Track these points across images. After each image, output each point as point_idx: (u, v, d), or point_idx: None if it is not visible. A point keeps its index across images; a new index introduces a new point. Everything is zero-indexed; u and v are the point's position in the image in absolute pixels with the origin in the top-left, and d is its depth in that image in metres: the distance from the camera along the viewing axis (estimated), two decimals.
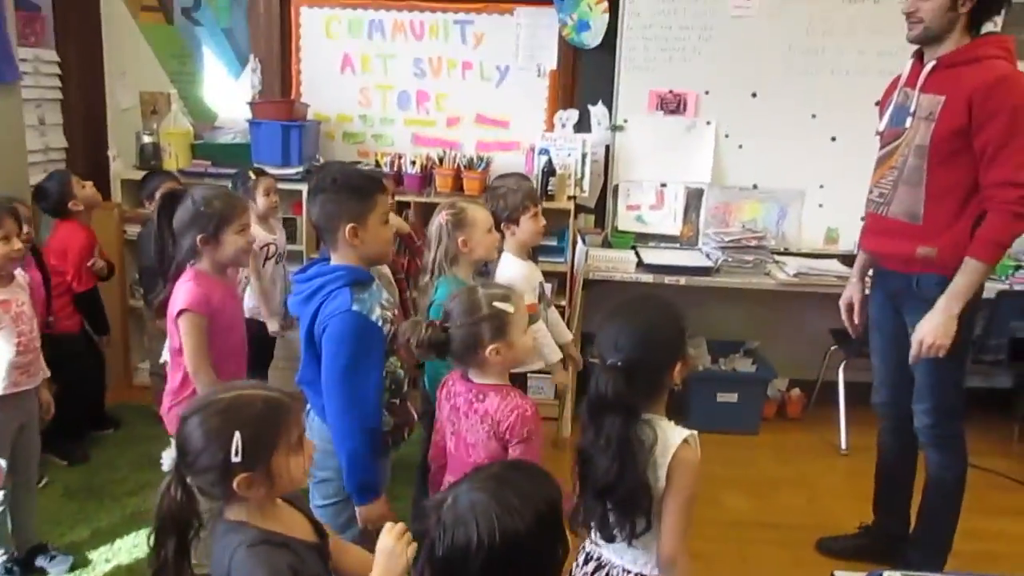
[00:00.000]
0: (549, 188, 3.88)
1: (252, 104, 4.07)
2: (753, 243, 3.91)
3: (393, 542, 1.34)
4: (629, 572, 1.70)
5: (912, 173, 2.39)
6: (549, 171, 3.89)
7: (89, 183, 3.46)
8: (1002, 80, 2.25)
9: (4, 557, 2.49)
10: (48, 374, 2.56)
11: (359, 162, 4.09)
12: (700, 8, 3.93)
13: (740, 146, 4.07)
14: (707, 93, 4.02)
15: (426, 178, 4.00)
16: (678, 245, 4.15)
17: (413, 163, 3.99)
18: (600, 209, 4.20)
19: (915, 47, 2.45)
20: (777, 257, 3.94)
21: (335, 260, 2.01)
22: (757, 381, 3.97)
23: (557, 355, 2.75)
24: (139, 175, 3.85)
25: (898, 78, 2.52)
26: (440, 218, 2.54)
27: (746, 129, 4.04)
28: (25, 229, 2.45)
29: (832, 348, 3.97)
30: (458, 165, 3.98)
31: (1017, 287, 3.61)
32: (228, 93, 4.30)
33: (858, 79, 3.84)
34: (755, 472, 3.55)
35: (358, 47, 4.19)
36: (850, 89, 3.83)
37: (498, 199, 2.73)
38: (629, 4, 3.94)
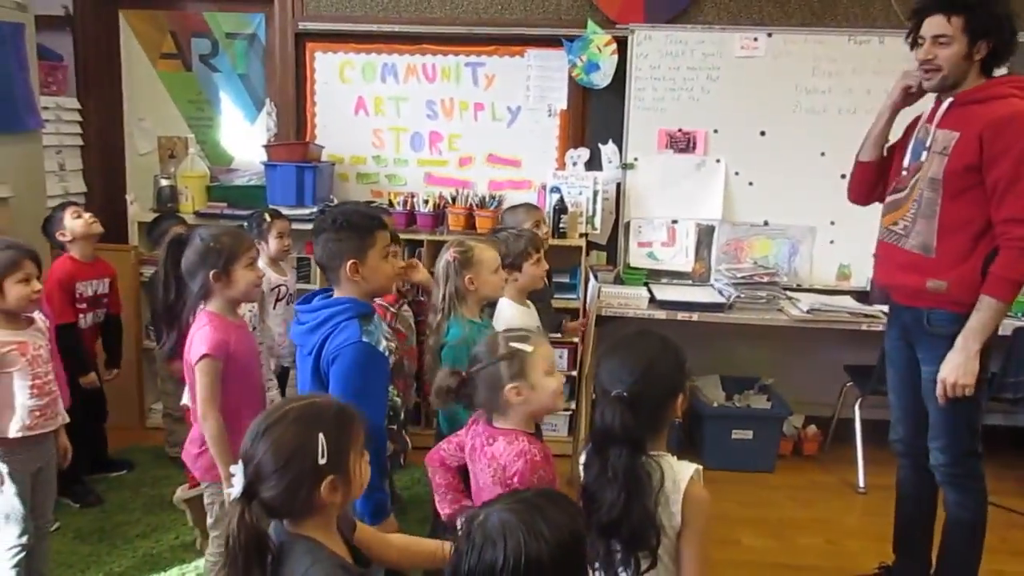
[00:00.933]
0: (561, 225, 3.90)
1: (267, 147, 4.14)
2: (765, 279, 3.90)
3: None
4: None
5: (927, 206, 2.41)
6: (561, 209, 3.92)
7: (87, 215, 3.36)
8: (1014, 117, 2.26)
9: None
10: (67, 419, 2.56)
11: (372, 202, 4.14)
12: (707, 49, 3.98)
13: (750, 183, 4.09)
14: (716, 131, 4.06)
15: (439, 217, 4.04)
16: (690, 282, 4.15)
17: (426, 202, 4.03)
18: (612, 246, 4.22)
19: None
20: (790, 293, 3.94)
21: (338, 295, 2.09)
22: (772, 418, 3.94)
23: None
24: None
25: (918, 117, 2.54)
26: (447, 256, 2.55)
27: (756, 166, 4.06)
28: None
29: (848, 384, 3.94)
30: (470, 204, 4.02)
31: None
32: (244, 136, 4.39)
33: (866, 118, 3.75)
34: (772, 511, 3.50)
35: (371, 90, 4.27)
36: (858, 128, 3.73)
37: (501, 244, 2.73)
38: (637, 47, 4.00)
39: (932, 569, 2.69)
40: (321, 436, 1.35)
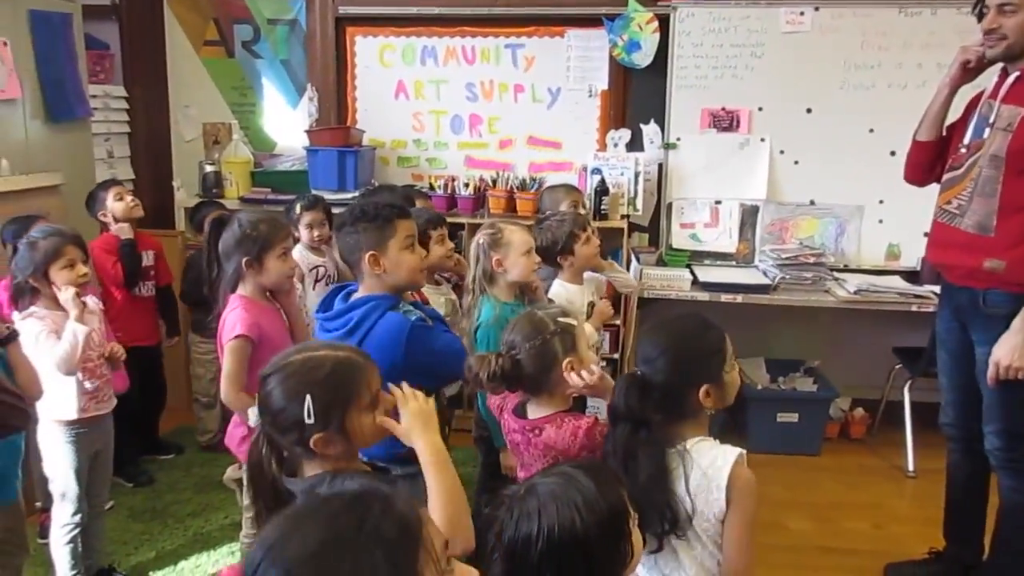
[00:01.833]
0: (602, 207, 3.88)
1: (309, 132, 4.17)
2: (811, 260, 3.84)
3: (422, 402, 1.47)
4: None
5: (986, 184, 2.34)
6: (602, 190, 3.89)
7: (129, 198, 3.35)
8: None
9: None
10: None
11: (413, 185, 4.15)
12: (752, 25, 3.90)
13: (796, 162, 4.01)
14: (760, 110, 3.98)
15: (479, 200, 4.03)
16: (734, 263, 4.10)
17: (466, 185, 4.03)
18: (654, 228, 4.18)
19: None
20: (837, 274, 3.86)
21: (362, 291, 2.02)
22: (818, 401, 3.87)
23: None
24: None
25: (980, 94, 2.46)
26: (478, 238, 2.56)
27: (801, 145, 3.98)
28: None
29: (896, 367, 3.86)
30: (511, 186, 4.01)
31: None
32: (286, 122, 4.43)
33: (916, 92, 3.75)
34: (818, 495, 3.46)
35: (411, 73, 4.27)
36: (909, 102, 3.70)
37: (547, 233, 2.73)
38: (679, 24, 3.93)
39: (985, 555, 2.63)
40: (308, 397, 1.37)
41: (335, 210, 3.57)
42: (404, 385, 1.52)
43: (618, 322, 3.83)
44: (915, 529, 3.05)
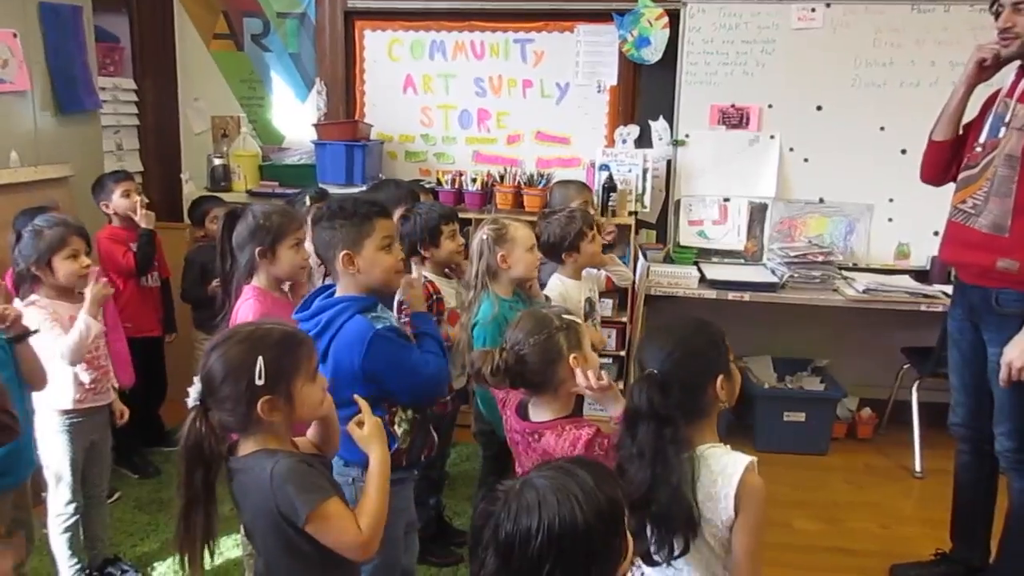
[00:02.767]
0: (610, 203, 3.86)
1: (317, 125, 4.17)
2: (820, 258, 3.82)
3: (376, 420, 1.61)
4: None
5: (1002, 184, 2.32)
6: (610, 187, 3.87)
7: (137, 198, 3.31)
8: None
9: (76, 568, 2.57)
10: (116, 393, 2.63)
11: (419, 180, 4.14)
12: (762, 22, 3.87)
13: (805, 160, 3.98)
14: (770, 107, 3.96)
15: (487, 195, 4.02)
16: (742, 261, 4.08)
17: (474, 180, 4.02)
18: (662, 224, 4.17)
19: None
20: (845, 273, 3.84)
21: (339, 291, 1.97)
22: (826, 400, 3.85)
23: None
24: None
25: (996, 92, 2.44)
26: (482, 233, 2.54)
27: (811, 142, 3.95)
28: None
29: (905, 367, 3.84)
30: (518, 182, 3.99)
31: None
32: (295, 115, 4.42)
33: (929, 90, 3.73)
34: (825, 495, 3.44)
35: (420, 68, 4.26)
36: (921, 100, 3.70)
37: (554, 227, 2.71)
38: (690, 19, 3.91)
39: (992, 557, 2.61)
40: (260, 359, 1.44)
41: None
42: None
43: (625, 319, 3.82)
44: (922, 530, 3.03)
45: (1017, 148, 2.28)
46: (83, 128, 3.72)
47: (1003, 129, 2.33)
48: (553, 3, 4.06)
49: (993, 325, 2.38)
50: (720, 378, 1.63)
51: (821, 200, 4.01)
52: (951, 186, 2.57)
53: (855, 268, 3.94)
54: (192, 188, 4.22)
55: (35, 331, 2.13)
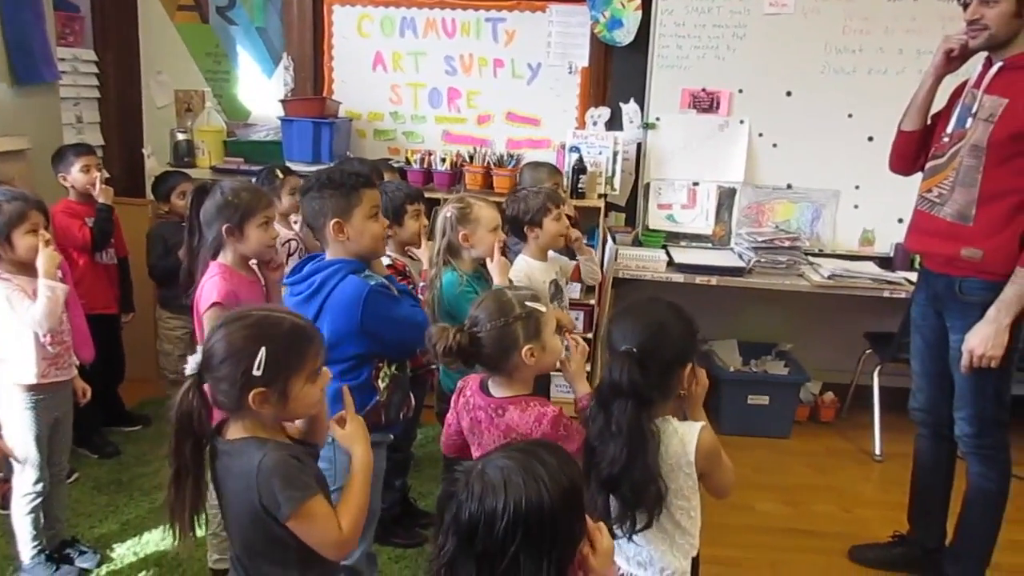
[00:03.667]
0: (580, 186, 3.85)
1: (284, 102, 4.09)
2: (787, 244, 3.85)
3: (359, 420, 1.61)
4: None
5: (967, 174, 2.34)
6: (580, 169, 3.86)
7: (96, 174, 3.25)
8: None
9: (36, 550, 2.52)
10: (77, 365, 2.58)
11: (388, 159, 4.09)
12: (734, 6, 3.88)
13: (774, 145, 4.01)
14: (740, 91, 3.97)
15: (456, 175, 3.99)
16: (710, 245, 4.10)
17: (443, 160, 3.98)
18: (631, 208, 4.17)
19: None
20: (811, 258, 3.88)
21: (328, 257, 2.06)
22: (789, 384, 3.90)
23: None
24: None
25: (964, 83, 2.46)
26: (446, 211, 2.53)
27: (780, 128, 3.98)
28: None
29: (867, 352, 3.89)
30: (488, 163, 3.97)
31: None
32: (261, 91, 4.34)
33: (896, 78, 3.77)
34: (787, 478, 3.49)
35: (390, 45, 4.20)
36: (888, 88, 3.74)
37: (519, 202, 2.69)
38: (662, 2, 3.90)
39: (947, 538, 2.67)
40: (263, 349, 1.41)
41: None
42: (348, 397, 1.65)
43: (592, 302, 3.82)
44: (881, 512, 3.08)
45: (983, 139, 2.30)
46: (41, 100, 3.60)
47: (970, 120, 2.35)
48: None
49: (956, 312, 2.41)
50: (690, 366, 1.67)
51: (789, 186, 4.04)
52: (917, 175, 2.59)
53: (821, 254, 3.98)
54: (154, 163, 4.13)
55: None
